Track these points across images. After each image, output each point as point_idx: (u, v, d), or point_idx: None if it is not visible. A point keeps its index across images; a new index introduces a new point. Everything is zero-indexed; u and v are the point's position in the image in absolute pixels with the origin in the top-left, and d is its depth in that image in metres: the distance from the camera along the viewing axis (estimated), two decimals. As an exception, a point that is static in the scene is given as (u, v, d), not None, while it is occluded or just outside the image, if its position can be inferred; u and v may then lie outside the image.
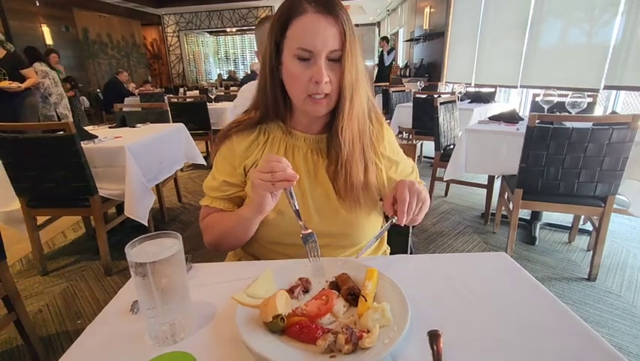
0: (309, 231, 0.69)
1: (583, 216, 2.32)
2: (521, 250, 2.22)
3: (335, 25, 0.68)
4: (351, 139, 0.77)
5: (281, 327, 0.52)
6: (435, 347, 0.47)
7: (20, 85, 3.50)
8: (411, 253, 1.09)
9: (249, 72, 7.83)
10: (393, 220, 0.70)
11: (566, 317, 0.56)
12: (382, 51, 8.04)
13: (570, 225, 2.37)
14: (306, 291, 0.63)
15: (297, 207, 0.69)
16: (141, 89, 6.89)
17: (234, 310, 0.54)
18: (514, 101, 4.99)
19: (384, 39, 8.31)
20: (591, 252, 1.97)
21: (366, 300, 0.56)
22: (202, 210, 0.87)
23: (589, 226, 2.32)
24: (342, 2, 0.71)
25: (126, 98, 6.10)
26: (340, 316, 0.56)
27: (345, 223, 0.80)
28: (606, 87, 3.20)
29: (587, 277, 1.92)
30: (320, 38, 0.68)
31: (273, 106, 0.79)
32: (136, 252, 0.52)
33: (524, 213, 2.53)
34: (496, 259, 0.73)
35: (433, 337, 0.48)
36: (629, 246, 2.25)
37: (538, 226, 2.42)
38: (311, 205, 0.79)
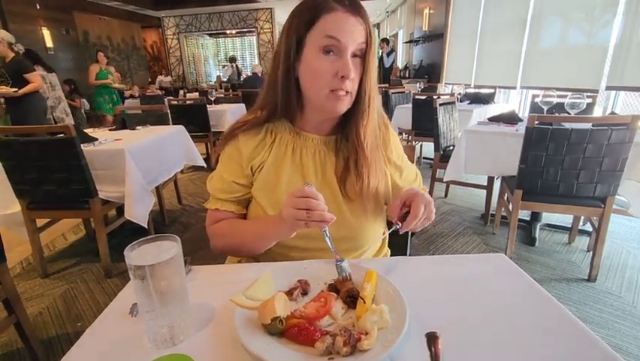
0: (343, 258, 0.67)
1: (583, 217, 2.32)
2: (521, 251, 2.22)
3: (362, 24, 0.70)
4: (369, 142, 0.77)
5: (279, 329, 0.52)
6: (433, 349, 0.47)
7: (17, 90, 3.48)
8: (410, 255, 1.09)
9: (250, 74, 7.85)
10: (397, 227, 0.70)
11: (564, 318, 0.56)
12: (382, 53, 8.05)
13: (570, 225, 2.37)
14: (304, 293, 0.63)
15: (332, 245, 0.68)
16: (148, 91, 6.86)
17: (233, 312, 0.55)
18: (513, 102, 5.00)
19: (385, 41, 8.32)
20: (591, 253, 1.97)
21: (364, 302, 0.57)
22: (209, 214, 0.85)
23: (589, 227, 2.32)
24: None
25: (126, 100, 6.12)
26: (339, 318, 0.57)
27: (350, 227, 0.80)
28: (608, 88, 3.21)
29: (587, 277, 1.92)
30: (350, 34, 0.69)
31: (284, 104, 0.77)
32: (135, 255, 0.52)
33: (524, 214, 2.53)
34: (495, 260, 0.74)
35: (431, 339, 0.48)
36: (629, 246, 2.25)
37: (538, 227, 2.42)
38: None
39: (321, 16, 0.69)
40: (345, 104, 0.73)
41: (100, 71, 5.73)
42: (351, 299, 0.59)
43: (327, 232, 0.68)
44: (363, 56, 0.71)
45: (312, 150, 0.82)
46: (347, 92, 0.71)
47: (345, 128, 0.79)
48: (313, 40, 0.70)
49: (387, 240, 0.96)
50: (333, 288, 0.63)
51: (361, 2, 0.72)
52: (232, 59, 10.10)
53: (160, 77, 10.22)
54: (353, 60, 0.70)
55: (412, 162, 1.00)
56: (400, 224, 0.69)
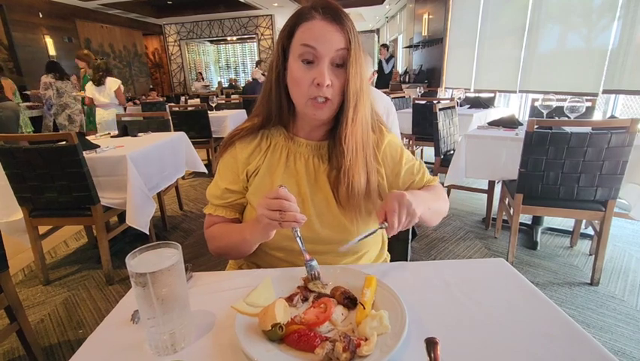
0: (310, 257, 0.69)
1: (584, 221, 2.32)
2: (523, 255, 2.21)
3: (341, 32, 0.71)
4: (354, 147, 0.78)
5: (279, 336, 0.52)
6: (432, 355, 0.47)
7: None
8: (411, 260, 1.09)
9: (251, 80, 7.90)
10: (384, 226, 0.69)
11: (564, 323, 0.56)
12: (381, 59, 8.09)
13: (572, 229, 2.37)
14: (305, 299, 0.63)
15: (302, 245, 0.69)
16: (149, 98, 6.91)
17: (234, 318, 0.55)
18: (513, 106, 5.01)
19: (384, 46, 8.35)
20: (593, 256, 1.97)
21: (364, 308, 0.57)
22: (206, 218, 0.89)
23: (590, 231, 2.31)
24: (347, 15, 0.74)
25: (127, 108, 6.15)
26: (339, 324, 0.57)
27: (345, 230, 0.81)
28: (605, 91, 3.21)
29: (589, 281, 1.91)
30: (326, 42, 0.70)
31: (277, 111, 0.80)
32: (136, 262, 0.53)
33: (525, 218, 2.53)
34: (495, 265, 0.74)
35: (430, 344, 0.48)
36: (631, 250, 2.24)
37: (539, 231, 2.42)
38: (312, 211, 0.80)
39: (300, 24, 0.72)
40: (324, 112, 0.74)
41: (84, 77, 4.54)
42: (349, 300, 0.60)
43: (299, 233, 0.70)
44: (343, 62, 0.72)
45: (305, 156, 0.83)
46: (326, 99, 0.72)
47: (334, 134, 0.80)
48: (293, 49, 0.73)
49: (385, 244, 0.96)
50: (303, 287, 0.65)
51: (343, 10, 0.73)
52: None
53: (196, 84, 10.27)
54: (334, 68, 0.72)
55: None
56: (386, 223, 0.69)
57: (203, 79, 11.05)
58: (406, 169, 0.88)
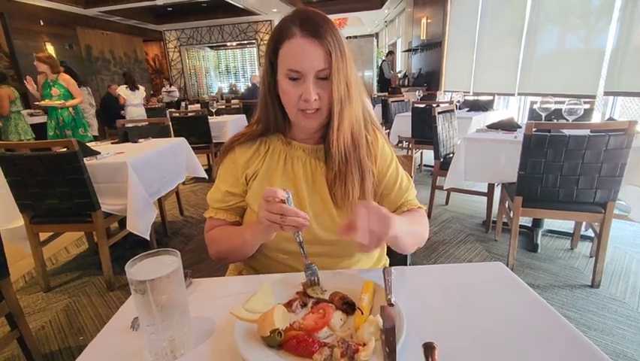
0: (310, 262, 0.70)
1: (584, 223, 2.32)
2: (523, 258, 2.21)
3: (321, 46, 0.72)
4: (343, 151, 0.79)
5: (278, 341, 0.53)
6: (430, 360, 0.48)
7: None
8: (411, 263, 1.09)
9: (250, 85, 7.94)
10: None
11: (562, 326, 0.56)
12: (382, 64, 8.16)
13: (572, 231, 2.36)
14: (304, 305, 0.63)
15: (303, 249, 0.71)
16: (150, 104, 6.99)
17: (233, 325, 0.55)
18: (512, 108, 5.02)
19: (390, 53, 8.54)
20: (594, 258, 1.96)
21: (362, 313, 0.57)
22: (207, 222, 0.90)
23: (591, 233, 2.31)
24: (330, 23, 0.74)
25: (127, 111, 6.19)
26: (337, 329, 0.57)
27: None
28: (605, 93, 3.22)
29: (590, 284, 1.91)
30: (307, 60, 0.72)
31: (273, 119, 0.83)
32: (136, 270, 0.53)
33: (526, 221, 2.53)
34: (493, 268, 0.74)
35: (428, 349, 0.49)
36: (632, 251, 2.23)
37: (540, 233, 2.41)
38: (310, 213, 0.81)
39: (283, 42, 0.73)
40: (314, 121, 0.77)
41: (44, 83, 3.79)
42: (348, 305, 0.60)
43: (301, 237, 0.70)
44: (327, 75, 0.73)
45: (302, 159, 0.85)
46: (315, 109, 0.75)
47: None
48: (280, 67, 0.75)
49: (385, 248, 0.96)
50: (302, 293, 0.65)
51: (323, 19, 0.73)
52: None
53: (164, 90, 9.66)
54: (319, 81, 0.74)
55: (411, 170, 0.99)
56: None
57: (169, 84, 10.05)
58: (389, 178, 0.87)
